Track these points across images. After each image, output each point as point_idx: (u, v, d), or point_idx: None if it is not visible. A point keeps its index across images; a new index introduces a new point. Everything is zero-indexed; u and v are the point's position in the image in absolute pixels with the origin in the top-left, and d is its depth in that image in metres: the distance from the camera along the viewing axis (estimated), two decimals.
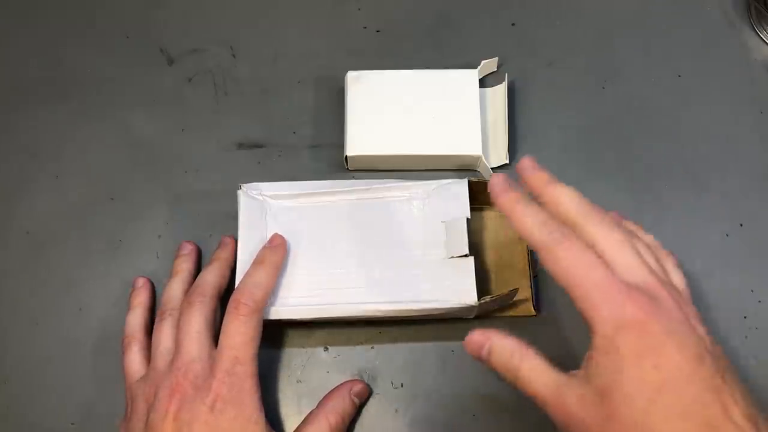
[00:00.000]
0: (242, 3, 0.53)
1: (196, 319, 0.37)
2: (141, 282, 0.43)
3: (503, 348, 0.33)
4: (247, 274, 0.39)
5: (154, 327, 0.40)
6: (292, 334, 0.43)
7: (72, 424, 0.41)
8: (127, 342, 0.40)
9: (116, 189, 0.47)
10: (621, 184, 0.47)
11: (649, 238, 0.37)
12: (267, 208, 0.43)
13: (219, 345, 0.37)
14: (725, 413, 0.28)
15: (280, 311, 0.40)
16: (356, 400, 0.40)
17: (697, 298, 0.43)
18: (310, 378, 0.42)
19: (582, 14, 0.53)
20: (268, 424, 0.36)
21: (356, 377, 0.42)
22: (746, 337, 0.43)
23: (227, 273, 0.41)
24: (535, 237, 0.32)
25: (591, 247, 0.32)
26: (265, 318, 0.40)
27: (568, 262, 0.31)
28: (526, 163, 0.36)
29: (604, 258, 0.31)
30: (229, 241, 0.43)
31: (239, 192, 0.43)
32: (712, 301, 0.43)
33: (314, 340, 0.43)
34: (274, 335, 0.43)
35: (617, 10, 0.53)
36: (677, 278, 0.34)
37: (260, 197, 0.43)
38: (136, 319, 0.41)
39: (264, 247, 0.40)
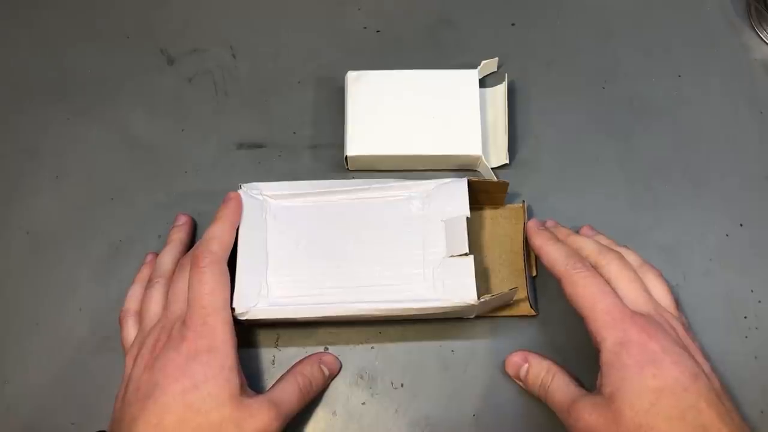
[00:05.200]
0: (242, 3, 0.53)
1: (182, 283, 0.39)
2: (149, 258, 0.44)
3: (540, 366, 0.39)
4: (205, 232, 0.40)
5: (144, 293, 0.41)
6: (292, 334, 0.43)
7: (72, 424, 0.41)
8: (123, 316, 0.41)
9: (116, 189, 0.47)
10: (621, 184, 0.47)
11: (633, 257, 0.40)
12: (267, 208, 0.43)
13: (188, 300, 0.37)
14: (720, 420, 0.32)
15: (280, 311, 0.40)
16: (324, 369, 0.41)
17: (698, 298, 0.43)
18: None
19: (582, 14, 0.53)
20: (242, 373, 0.37)
21: (356, 377, 0.42)
22: (746, 337, 0.42)
23: (183, 251, 0.43)
24: (559, 267, 0.38)
25: (606, 280, 0.37)
26: (266, 318, 0.40)
27: (584, 289, 0.36)
28: (534, 224, 0.42)
29: (616, 290, 0.37)
30: (184, 220, 0.45)
31: (239, 192, 0.43)
32: (712, 301, 0.43)
33: (314, 340, 0.43)
34: (275, 335, 0.43)
35: (617, 9, 0.53)
36: (662, 294, 0.39)
37: (260, 197, 0.43)
38: (135, 293, 0.42)
39: (221, 205, 0.42)
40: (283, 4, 0.53)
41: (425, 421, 0.41)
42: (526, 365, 0.39)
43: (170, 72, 0.51)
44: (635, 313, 0.36)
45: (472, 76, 0.47)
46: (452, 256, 0.41)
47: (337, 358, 0.42)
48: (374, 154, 0.46)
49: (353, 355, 0.42)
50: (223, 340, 0.36)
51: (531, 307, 0.42)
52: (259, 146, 0.48)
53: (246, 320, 0.40)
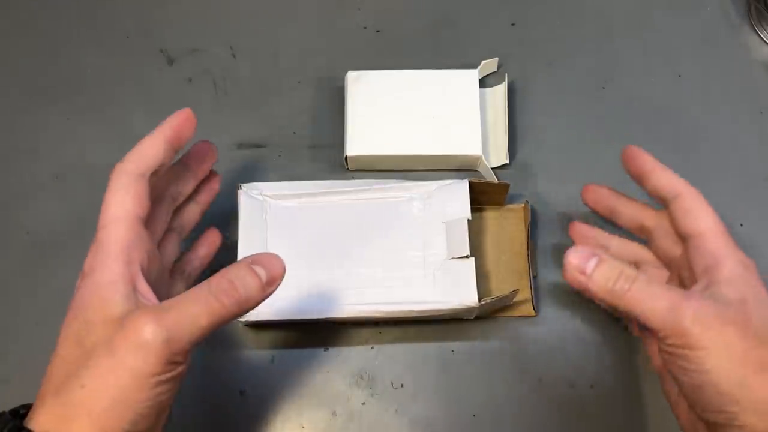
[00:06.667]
0: (242, 3, 0.53)
1: None
2: None
3: (612, 264, 0.32)
4: None
5: None
6: (292, 334, 0.43)
7: None
8: None
9: None
10: (621, 184, 0.47)
11: None
12: (267, 208, 0.43)
13: None
14: None
15: (280, 312, 0.40)
16: (260, 271, 0.31)
17: None
18: (311, 378, 0.42)
19: (582, 14, 0.53)
20: (135, 292, 0.31)
21: (356, 377, 0.42)
22: None
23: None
24: (683, 183, 0.36)
25: None
26: (266, 319, 0.40)
27: (708, 208, 0.35)
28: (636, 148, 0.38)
29: None
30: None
31: (239, 192, 0.43)
32: None
33: (314, 340, 0.43)
34: (275, 336, 0.43)
35: (617, 10, 0.53)
36: None
37: (260, 197, 0.43)
38: None
39: None
40: (283, 4, 0.53)
41: (425, 421, 0.41)
42: (595, 259, 0.32)
43: (170, 72, 0.51)
44: None
45: (472, 76, 0.47)
46: (453, 258, 0.41)
47: (279, 258, 0.32)
48: (374, 154, 0.46)
49: (353, 355, 0.42)
50: (107, 252, 0.31)
51: (534, 308, 0.42)
52: (259, 146, 0.48)
53: (246, 321, 0.40)
